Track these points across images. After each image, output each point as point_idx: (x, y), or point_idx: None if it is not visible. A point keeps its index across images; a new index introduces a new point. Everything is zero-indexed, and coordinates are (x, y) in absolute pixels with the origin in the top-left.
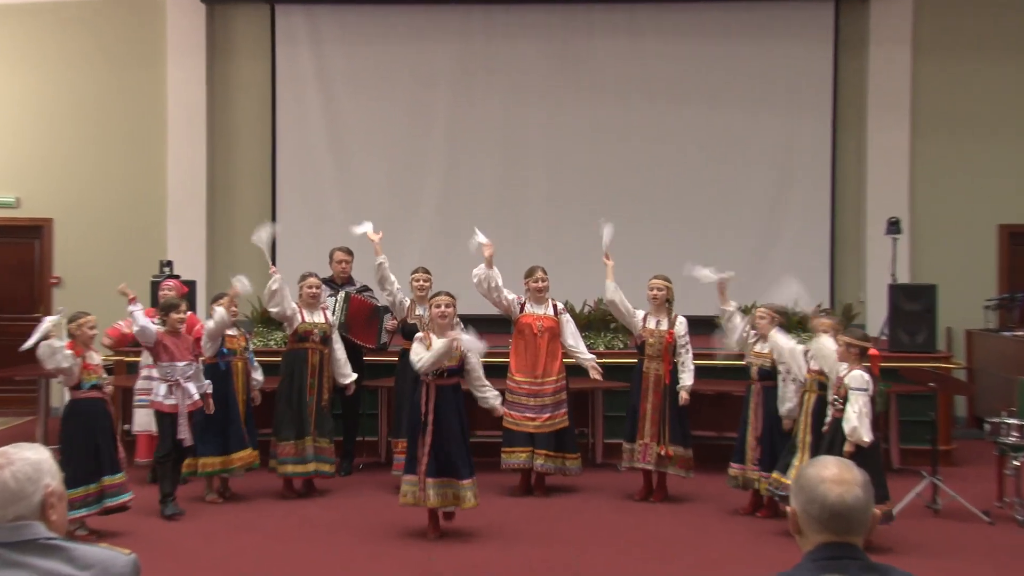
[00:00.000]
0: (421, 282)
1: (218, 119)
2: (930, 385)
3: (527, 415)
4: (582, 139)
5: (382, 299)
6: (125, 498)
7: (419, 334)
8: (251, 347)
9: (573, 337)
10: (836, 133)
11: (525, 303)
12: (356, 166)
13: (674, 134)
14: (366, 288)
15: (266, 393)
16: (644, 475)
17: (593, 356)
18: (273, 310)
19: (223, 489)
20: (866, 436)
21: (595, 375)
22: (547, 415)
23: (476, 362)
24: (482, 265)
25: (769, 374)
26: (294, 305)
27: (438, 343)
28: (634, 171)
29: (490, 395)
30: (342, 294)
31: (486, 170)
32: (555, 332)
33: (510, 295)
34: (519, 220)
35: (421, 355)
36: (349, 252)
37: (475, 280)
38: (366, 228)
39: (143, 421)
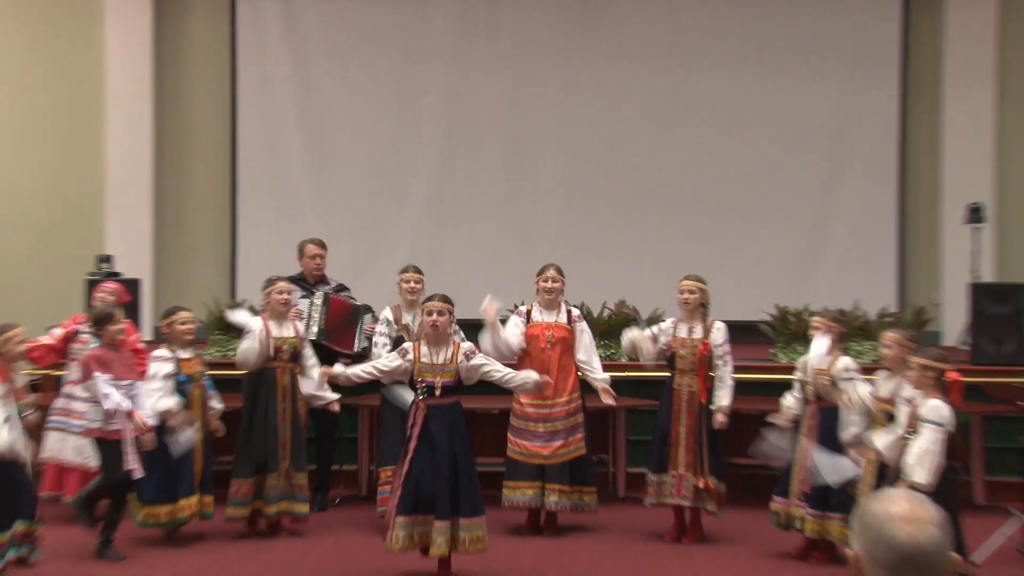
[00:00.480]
0: (412, 283)
1: (167, 88)
2: (1020, 404)
3: (536, 444)
4: (601, 117)
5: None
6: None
7: (405, 345)
8: (206, 370)
9: (586, 351)
10: (905, 105)
11: (532, 310)
12: (332, 146)
13: (709, 110)
14: (343, 287)
15: (224, 413)
16: (675, 512)
17: (607, 376)
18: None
19: (170, 537)
20: (921, 477)
21: (607, 399)
22: (560, 442)
23: (487, 364)
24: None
25: (828, 395)
26: (260, 325)
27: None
28: (662, 154)
29: (519, 377)
30: (319, 295)
31: (488, 153)
32: (568, 343)
33: (516, 335)
34: (526, 211)
35: (386, 365)
36: (322, 245)
37: (489, 347)
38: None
39: (55, 447)
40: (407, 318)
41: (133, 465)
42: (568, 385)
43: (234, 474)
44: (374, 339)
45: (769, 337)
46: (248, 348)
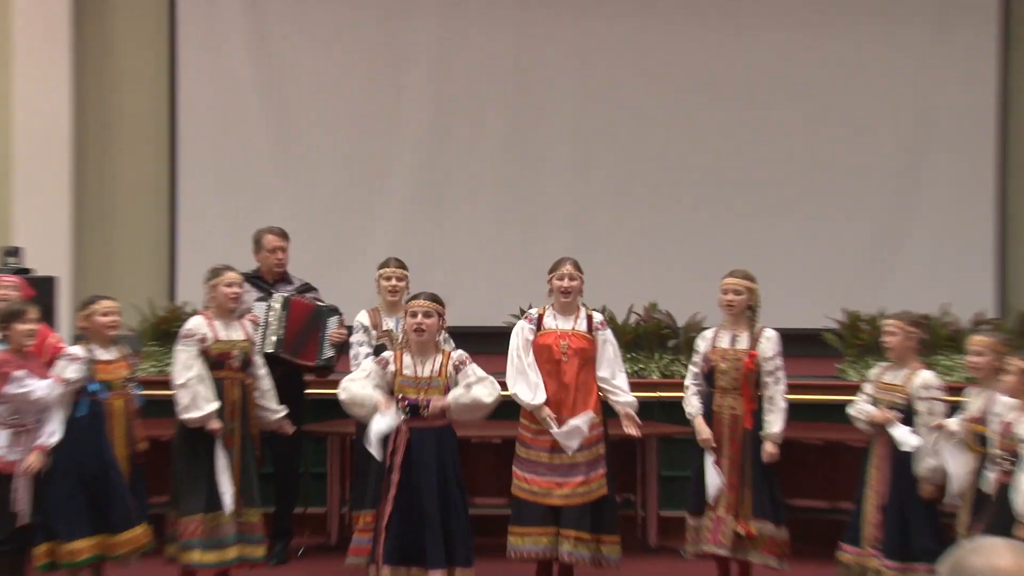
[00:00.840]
0: (393, 281)
1: (90, 43)
2: None
3: (549, 480)
4: (624, 84)
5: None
6: None
7: (386, 354)
8: (136, 376)
9: (609, 366)
10: (1007, 65)
11: (544, 315)
12: (296, 117)
13: (761, 75)
14: (309, 287)
15: (160, 442)
16: (718, 564)
17: (633, 400)
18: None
19: None
20: None
21: (629, 429)
22: (579, 479)
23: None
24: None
25: (903, 415)
26: (203, 328)
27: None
28: (701, 129)
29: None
30: (278, 298)
31: (487, 127)
32: (588, 356)
33: (528, 356)
34: (532, 197)
35: (355, 396)
36: (284, 235)
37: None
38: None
39: None
40: (388, 323)
41: (20, 506)
42: (588, 406)
43: (179, 512)
44: (352, 352)
45: (836, 348)
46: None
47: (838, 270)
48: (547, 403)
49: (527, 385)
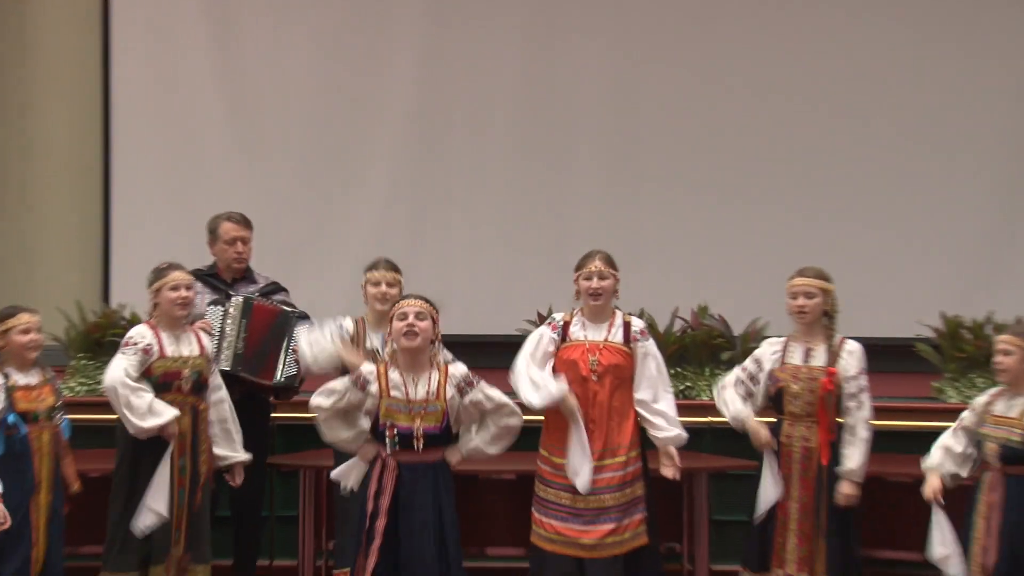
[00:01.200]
0: (384, 287)
1: None
2: None
3: (573, 527)
4: (665, 50)
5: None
6: None
7: (365, 369)
8: (60, 402)
9: (651, 387)
10: None
11: (569, 323)
12: (258, 87)
13: (832, 43)
14: (277, 287)
15: (92, 479)
16: None
17: (677, 433)
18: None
19: None
20: None
21: (666, 471)
22: (611, 526)
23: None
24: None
25: (1020, 455)
26: (148, 338)
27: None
28: (759, 105)
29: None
30: (237, 302)
31: (495, 100)
32: (624, 374)
33: (548, 364)
34: (554, 183)
35: (322, 400)
36: (245, 222)
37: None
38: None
39: None
40: (374, 340)
41: None
42: (624, 437)
43: (112, 567)
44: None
45: (932, 363)
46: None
47: (935, 270)
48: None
49: (532, 383)
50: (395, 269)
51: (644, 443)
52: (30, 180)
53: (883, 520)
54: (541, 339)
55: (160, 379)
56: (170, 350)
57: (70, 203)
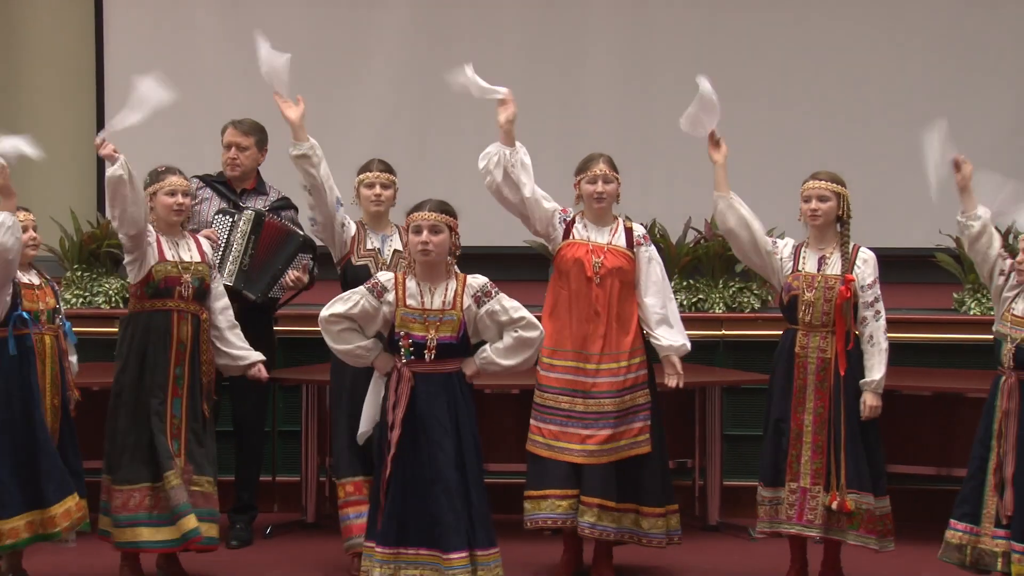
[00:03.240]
0: (378, 188)
1: None
2: None
3: (570, 430)
4: None
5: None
6: None
7: (382, 277)
8: (61, 305)
9: (657, 291)
10: None
11: (574, 221)
12: None
13: None
14: (287, 204)
15: (91, 392)
16: (794, 546)
17: (679, 342)
18: (122, 233)
19: (11, 570)
20: None
21: (669, 380)
22: (608, 431)
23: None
24: (496, 142)
25: None
26: (148, 229)
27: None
28: (782, 4)
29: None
30: (248, 215)
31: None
32: (627, 277)
33: (548, 202)
34: (566, 84)
35: (337, 307)
36: (244, 130)
37: (483, 168)
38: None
39: None
40: (373, 240)
41: None
42: (626, 341)
43: (114, 479)
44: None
45: (953, 274)
46: None
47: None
48: (569, 332)
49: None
50: (389, 170)
51: (651, 355)
52: (17, 84)
53: (901, 434)
54: (554, 214)
55: (161, 284)
56: (169, 254)
57: (64, 107)
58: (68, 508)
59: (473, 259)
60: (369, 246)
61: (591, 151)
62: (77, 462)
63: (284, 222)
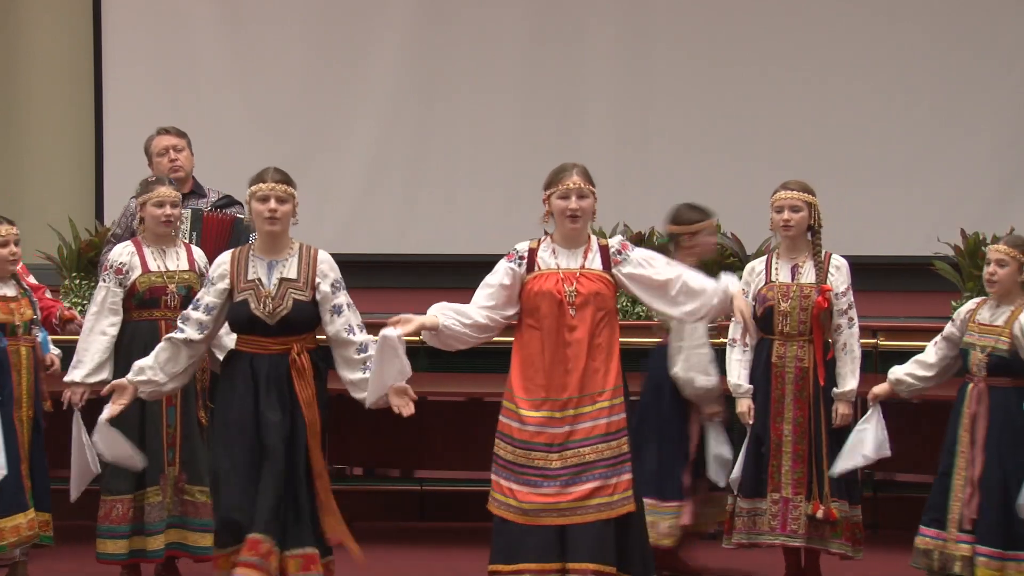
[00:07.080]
0: (273, 203)
1: None
2: None
3: (545, 490)
4: None
5: None
6: None
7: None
8: (38, 316)
9: (688, 291)
10: None
11: (537, 249)
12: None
13: None
14: (231, 201)
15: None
16: (789, 553)
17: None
18: None
19: None
20: None
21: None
22: (592, 484)
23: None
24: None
25: (1007, 364)
26: (123, 256)
27: None
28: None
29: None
30: (184, 214)
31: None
32: (607, 304)
33: (488, 286)
34: (565, 82)
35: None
36: (176, 132)
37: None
38: None
39: None
40: (257, 268)
41: None
42: (608, 380)
43: (104, 491)
44: None
45: (951, 282)
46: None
47: (955, 182)
48: (538, 377)
49: (471, 309)
50: (287, 180)
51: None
52: (18, 95)
53: (894, 442)
54: (495, 272)
55: (146, 295)
56: (153, 264)
57: (62, 118)
58: (17, 524)
59: (473, 267)
60: (250, 276)
61: (588, 159)
62: (44, 476)
63: (225, 214)
